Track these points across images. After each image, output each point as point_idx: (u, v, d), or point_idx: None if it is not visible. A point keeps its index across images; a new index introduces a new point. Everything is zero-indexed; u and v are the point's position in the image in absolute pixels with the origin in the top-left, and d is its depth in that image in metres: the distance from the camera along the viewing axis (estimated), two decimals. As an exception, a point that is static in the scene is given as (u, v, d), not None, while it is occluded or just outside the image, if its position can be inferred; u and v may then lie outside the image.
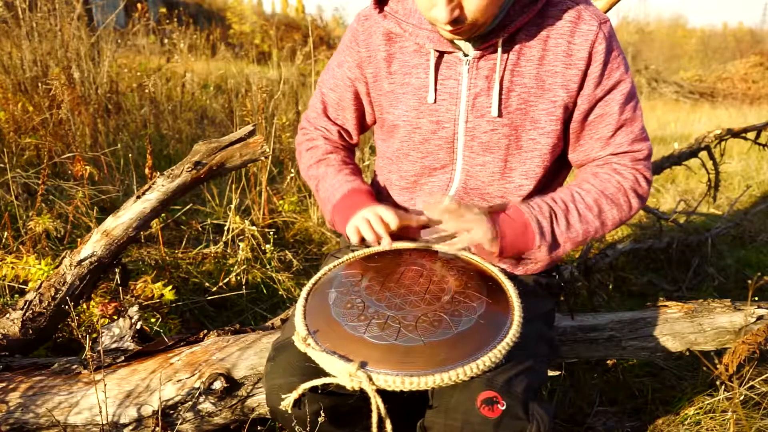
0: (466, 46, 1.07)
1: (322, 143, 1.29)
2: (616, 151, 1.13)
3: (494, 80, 1.07)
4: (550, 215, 1.07)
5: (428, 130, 1.13)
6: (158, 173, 1.53)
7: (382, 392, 0.86)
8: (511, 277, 1.09)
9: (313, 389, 0.93)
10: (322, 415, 0.97)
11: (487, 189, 1.14)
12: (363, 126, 1.30)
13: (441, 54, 1.09)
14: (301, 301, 1.03)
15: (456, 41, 1.06)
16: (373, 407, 0.86)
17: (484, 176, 1.13)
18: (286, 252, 2.38)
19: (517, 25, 1.03)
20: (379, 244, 1.11)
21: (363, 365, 0.86)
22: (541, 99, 1.07)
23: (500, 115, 1.08)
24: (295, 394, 0.93)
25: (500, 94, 1.07)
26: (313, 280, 1.09)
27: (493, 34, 1.04)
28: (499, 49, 1.05)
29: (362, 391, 0.87)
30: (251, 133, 1.53)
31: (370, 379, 0.85)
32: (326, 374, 0.90)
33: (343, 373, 0.86)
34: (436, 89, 1.10)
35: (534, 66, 1.06)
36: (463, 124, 1.10)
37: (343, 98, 1.24)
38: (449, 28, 0.97)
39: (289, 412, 0.96)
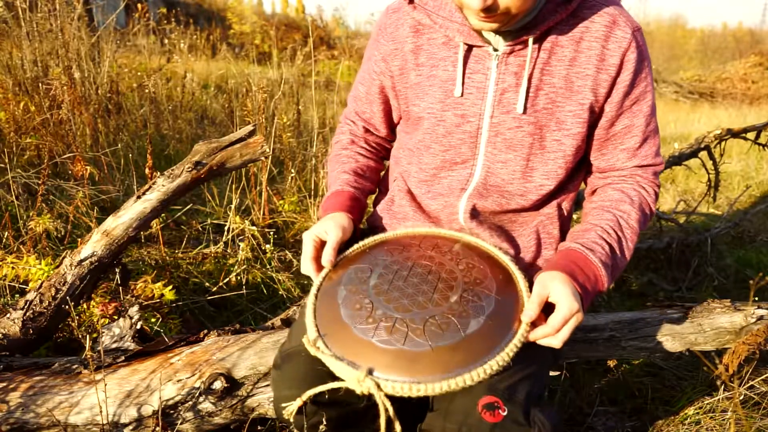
0: (496, 41, 1.06)
1: (345, 137, 1.31)
2: (642, 163, 1.13)
3: (523, 77, 1.05)
4: (611, 254, 1.06)
5: (452, 123, 1.11)
6: (158, 173, 1.53)
7: (389, 396, 0.86)
8: (522, 267, 1.07)
9: (320, 395, 0.93)
10: (324, 423, 0.97)
11: (507, 187, 1.13)
12: (392, 121, 1.29)
13: (470, 47, 1.08)
14: (311, 299, 1.01)
15: (485, 35, 1.05)
16: (381, 413, 0.86)
17: (505, 174, 1.12)
18: (286, 252, 2.38)
19: (550, 23, 1.01)
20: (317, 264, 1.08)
21: (371, 372, 0.86)
22: (569, 100, 1.06)
23: (525, 112, 1.06)
24: (299, 401, 0.92)
25: (528, 91, 1.06)
26: (322, 275, 1.06)
27: (524, 31, 1.03)
28: (530, 46, 1.03)
29: (370, 395, 0.87)
30: (251, 133, 1.53)
31: (378, 387, 0.85)
32: (335, 378, 0.90)
33: (351, 379, 0.87)
34: (463, 83, 1.09)
35: (564, 66, 1.05)
36: (488, 120, 1.09)
37: (370, 91, 1.24)
38: (481, 15, 0.95)
39: (292, 420, 0.96)
